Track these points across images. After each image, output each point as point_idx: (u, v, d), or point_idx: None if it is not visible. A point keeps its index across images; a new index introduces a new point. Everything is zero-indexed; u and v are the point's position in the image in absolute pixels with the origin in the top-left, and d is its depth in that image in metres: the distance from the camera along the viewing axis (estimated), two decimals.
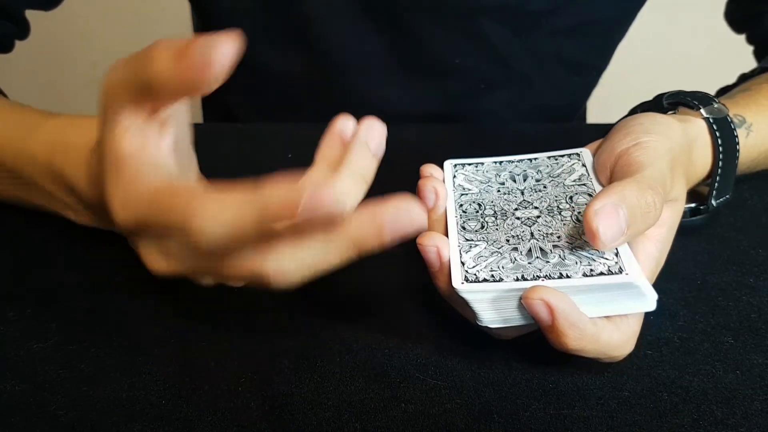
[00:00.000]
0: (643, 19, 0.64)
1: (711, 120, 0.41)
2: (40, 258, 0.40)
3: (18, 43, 0.54)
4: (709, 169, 0.41)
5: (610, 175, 0.34)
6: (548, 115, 0.66)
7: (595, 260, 0.30)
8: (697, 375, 0.32)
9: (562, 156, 0.37)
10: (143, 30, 1.52)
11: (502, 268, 0.31)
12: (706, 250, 0.41)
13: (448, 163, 0.38)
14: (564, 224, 0.33)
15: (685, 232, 0.43)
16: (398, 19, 0.58)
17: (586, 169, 0.36)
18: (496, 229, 0.33)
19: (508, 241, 0.32)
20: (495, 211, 0.34)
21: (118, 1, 1.49)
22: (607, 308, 0.30)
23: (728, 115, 0.41)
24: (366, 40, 0.59)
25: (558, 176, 0.36)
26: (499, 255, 0.31)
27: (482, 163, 0.38)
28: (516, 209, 0.34)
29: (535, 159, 0.38)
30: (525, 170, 0.37)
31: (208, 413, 0.30)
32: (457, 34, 0.59)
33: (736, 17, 0.63)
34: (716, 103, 0.41)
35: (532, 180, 0.36)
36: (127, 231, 0.30)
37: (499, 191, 0.36)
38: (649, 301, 0.30)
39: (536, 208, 0.34)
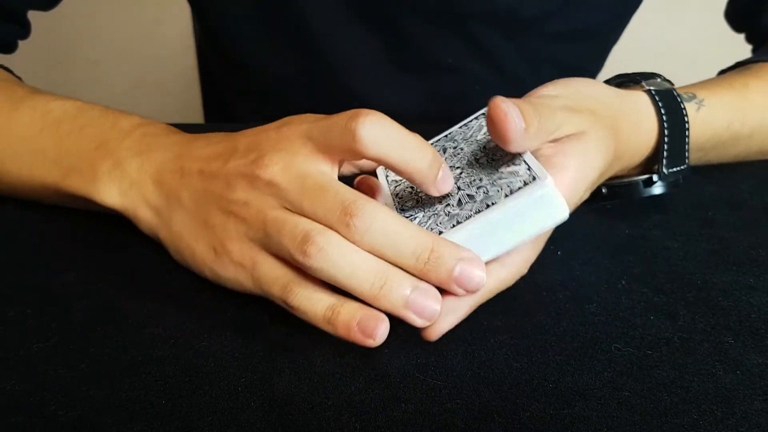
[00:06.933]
0: (640, 18, 0.64)
1: (653, 91, 0.42)
2: (40, 258, 0.40)
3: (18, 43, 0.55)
4: (656, 139, 0.42)
5: None
6: None
7: (512, 181, 0.32)
8: (697, 375, 0.32)
9: (471, 120, 0.40)
10: (143, 30, 1.52)
11: (440, 224, 0.33)
12: (706, 250, 0.41)
13: (380, 168, 0.41)
14: (482, 167, 0.35)
15: (684, 232, 0.43)
16: (392, 22, 0.58)
17: None
18: (429, 198, 0.35)
19: (440, 202, 0.34)
20: None
21: (118, 1, 1.49)
22: (526, 228, 0.32)
23: (672, 89, 0.42)
24: (362, 41, 0.59)
25: (470, 137, 0.38)
26: (436, 216, 0.34)
27: None
28: None
29: (450, 133, 0.40)
30: (443, 145, 0.39)
31: (208, 413, 0.30)
32: (451, 38, 0.59)
33: (736, 16, 0.64)
34: (660, 78, 0.42)
35: (450, 149, 0.38)
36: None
37: None
38: (561, 209, 0.32)
39: (458, 168, 0.36)
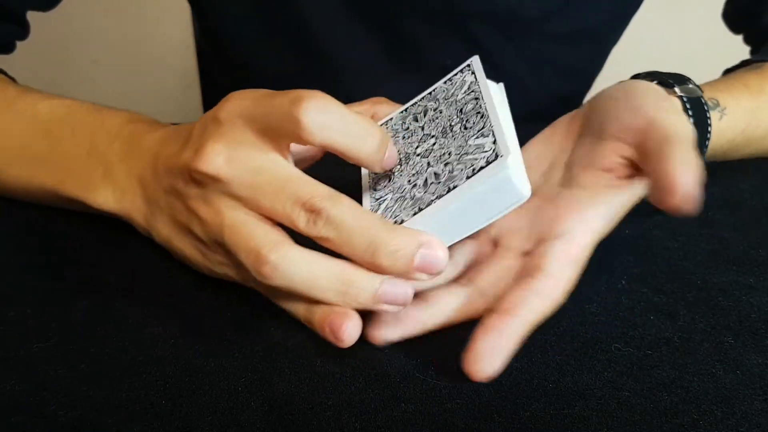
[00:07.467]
0: (640, 18, 0.64)
1: (685, 99, 0.41)
2: (40, 258, 0.40)
3: (17, 43, 0.55)
4: None
5: (641, 139, 0.34)
6: (543, 117, 0.66)
7: (476, 158, 0.31)
8: (697, 375, 0.32)
9: (455, 74, 0.37)
10: (143, 30, 1.52)
11: (404, 209, 0.32)
12: (706, 250, 0.41)
13: None
14: (454, 137, 0.33)
15: (684, 232, 0.43)
16: (392, 22, 0.58)
17: (475, 76, 0.36)
18: (401, 175, 0.34)
19: (409, 181, 0.33)
20: (400, 159, 0.35)
21: (118, 1, 1.49)
22: (487, 211, 0.31)
23: (702, 97, 0.42)
24: (362, 42, 0.59)
25: (452, 95, 0.36)
26: (402, 199, 0.32)
27: (391, 119, 0.39)
28: (417, 147, 0.35)
29: (434, 90, 0.38)
30: (425, 105, 0.37)
31: (208, 413, 0.30)
32: (450, 38, 0.59)
33: (735, 16, 0.64)
34: (691, 83, 0.42)
35: (431, 111, 0.36)
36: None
37: (403, 138, 0.36)
38: (523, 189, 0.30)
39: (433, 136, 0.34)
